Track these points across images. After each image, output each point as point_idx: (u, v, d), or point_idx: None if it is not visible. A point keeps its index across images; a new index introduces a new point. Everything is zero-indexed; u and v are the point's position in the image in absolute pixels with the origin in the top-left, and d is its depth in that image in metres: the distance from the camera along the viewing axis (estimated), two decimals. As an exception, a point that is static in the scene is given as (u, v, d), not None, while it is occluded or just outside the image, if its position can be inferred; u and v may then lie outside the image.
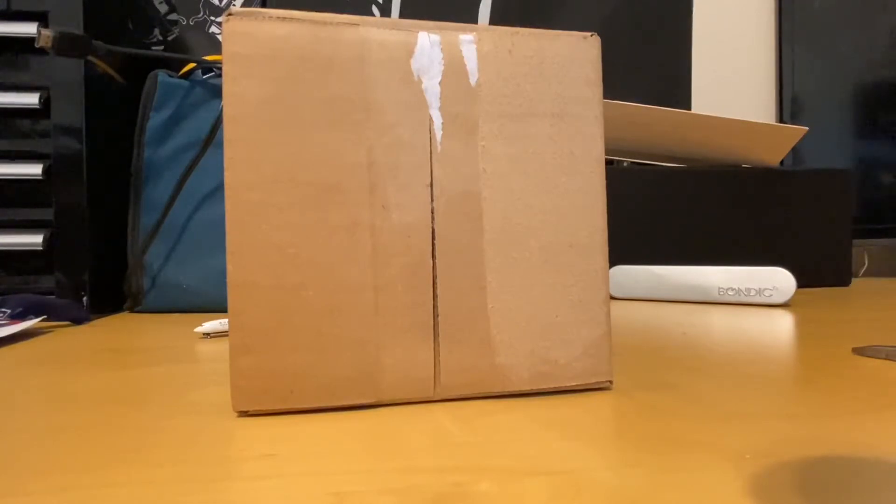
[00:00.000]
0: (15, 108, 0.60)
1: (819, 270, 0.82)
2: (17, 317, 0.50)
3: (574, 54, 0.27)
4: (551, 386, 0.26)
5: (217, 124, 0.63)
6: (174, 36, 0.75)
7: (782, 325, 0.48)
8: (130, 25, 0.73)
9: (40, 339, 0.46)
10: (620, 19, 1.15)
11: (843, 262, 0.83)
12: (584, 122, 0.27)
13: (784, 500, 0.15)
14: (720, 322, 0.50)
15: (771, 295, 0.61)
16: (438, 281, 0.25)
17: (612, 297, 0.71)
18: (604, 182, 0.27)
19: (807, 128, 0.79)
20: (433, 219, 0.25)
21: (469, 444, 0.20)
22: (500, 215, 0.26)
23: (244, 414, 0.24)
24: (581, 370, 0.26)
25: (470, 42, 0.26)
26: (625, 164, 0.89)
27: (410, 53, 0.25)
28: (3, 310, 0.50)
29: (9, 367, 0.35)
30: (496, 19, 1.11)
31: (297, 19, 0.24)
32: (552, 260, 0.26)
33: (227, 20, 0.24)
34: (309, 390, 0.24)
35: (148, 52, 0.73)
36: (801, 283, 0.63)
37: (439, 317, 0.25)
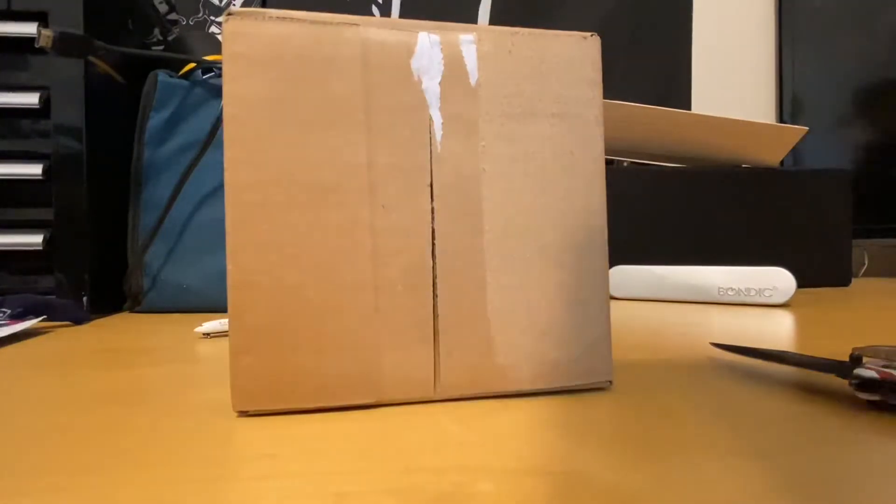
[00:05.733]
0: (15, 108, 0.60)
1: (819, 270, 0.82)
2: (17, 317, 0.50)
3: (574, 54, 0.27)
4: (551, 386, 0.26)
5: (217, 124, 0.63)
6: (174, 36, 0.75)
7: (782, 325, 0.48)
8: (130, 25, 0.73)
9: (40, 339, 0.46)
10: (620, 19, 1.15)
11: (843, 262, 0.83)
12: (584, 122, 0.27)
13: (784, 500, 0.15)
14: (720, 322, 0.50)
15: (771, 295, 0.61)
16: (438, 281, 0.25)
17: (612, 297, 0.71)
18: (604, 182, 0.27)
19: (807, 128, 0.79)
20: (433, 219, 0.25)
21: (469, 444, 0.20)
22: (500, 215, 0.26)
23: (244, 414, 0.24)
24: (581, 370, 0.26)
25: (470, 42, 0.26)
26: (625, 164, 0.89)
27: (410, 53, 0.25)
28: (3, 310, 0.50)
29: (9, 367, 0.35)
30: (496, 19, 1.11)
31: (297, 19, 0.24)
32: (552, 260, 0.26)
33: (227, 20, 0.24)
34: (309, 390, 0.24)
35: (148, 52, 0.73)
36: (801, 283, 0.63)
37: (439, 317, 0.25)
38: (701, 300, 0.65)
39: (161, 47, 0.77)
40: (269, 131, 0.24)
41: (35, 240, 0.60)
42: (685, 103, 1.18)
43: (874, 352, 0.25)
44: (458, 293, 0.25)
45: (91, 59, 0.61)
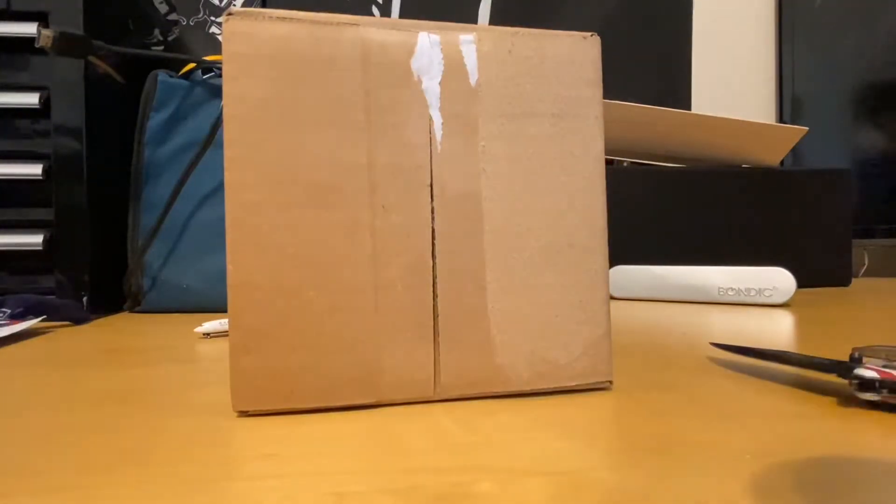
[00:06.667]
0: (15, 108, 0.60)
1: (819, 270, 0.82)
2: (17, 317, 0.50)
3: (574, 54, 0.27)
4: (551, 386, 0.26)
5: (217, 124, 0.63)
6: (174, 36, 0.75)
7: (782, 325, 0.48)
8: (131, 25, 0.73)
9: (40, 339, 0.46)
10: (620, 19, 1.15)
11: (843, 262, 0.83)
12: (584, 122, 0.27)
13: (784, 500, 0.15)
14: (720, 322, 0.50)
15: (771, 295, 0.61)
16: (438, 281, 0.25)
17: (612, 297, 0.71)
18: (604, 182, 0.27)
19: (807, 128, 0.79)
20: (433, 219, 0.25)
21: (469, 444, 0.20)
22: (500, 215, 0.26)
23: (244, 414, 0.24)
24: (581, 370, 0.26)
25: (470, 42, 0.26)
26: (625, 164, 0.89)
27: (410, 53, 0.25)
28: (3, 310, 0.50)
29: (9, 366, 0.35)
30: (496, 19, 1.11)
31: (297, 19, 0.24)
32: (552, 260, 0.26)
33: (227, 20, 0.24)
34: (309, 390, 0.24)
35: (148, 52, 0.73)
36: (801, 283, 0.63)
37: (439, 317, 0.25)
38: (701, 300, 0.65)
39: (161, 47, 0.77)
40: (269, 131, 0.24)
41: (35, 240, 0.60)
42: (685, 103, 1.18)
43: (874, 352, 0.25)
44: (458, 293, 0.25)
45: (91, 59, 0.61)
